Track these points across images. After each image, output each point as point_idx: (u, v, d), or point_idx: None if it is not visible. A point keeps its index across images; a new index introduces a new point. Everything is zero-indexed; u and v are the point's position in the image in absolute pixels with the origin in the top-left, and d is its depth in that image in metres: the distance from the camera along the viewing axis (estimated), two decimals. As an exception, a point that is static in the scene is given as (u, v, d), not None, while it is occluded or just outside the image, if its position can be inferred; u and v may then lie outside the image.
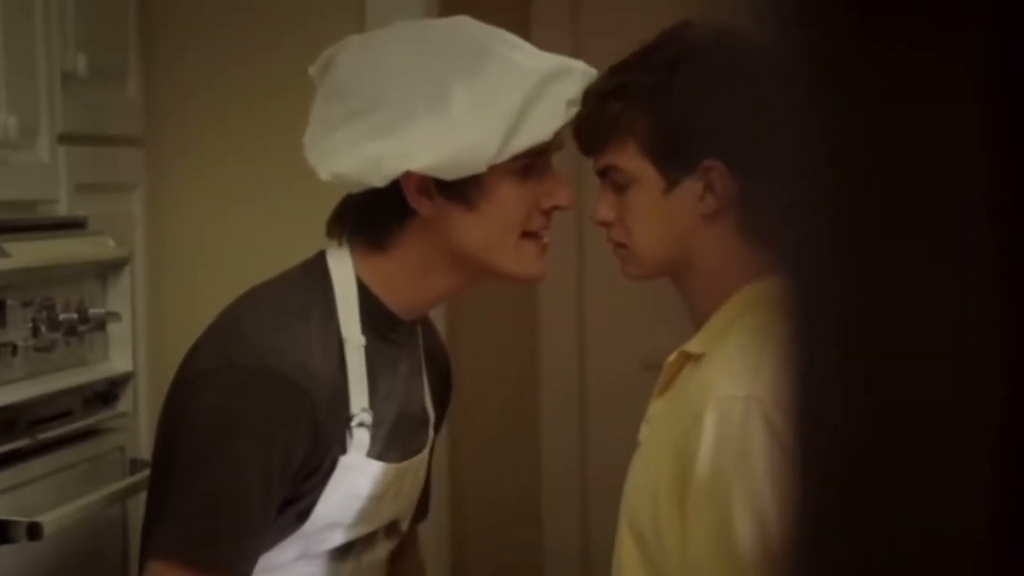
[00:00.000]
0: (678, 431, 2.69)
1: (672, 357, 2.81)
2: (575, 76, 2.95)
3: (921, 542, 0.84)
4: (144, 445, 3.79)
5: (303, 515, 2.92)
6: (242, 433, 2.86)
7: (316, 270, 2.97)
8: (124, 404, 3.61)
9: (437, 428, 3.20)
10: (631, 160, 2.79)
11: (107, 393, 3.55)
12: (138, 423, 3.83)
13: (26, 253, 3.24)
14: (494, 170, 2.89)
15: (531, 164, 2.92)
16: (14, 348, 3.17)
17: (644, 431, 2.86)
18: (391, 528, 3.10)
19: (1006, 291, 0.79)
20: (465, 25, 3.21)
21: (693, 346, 2.75)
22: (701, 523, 2.64)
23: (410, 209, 2.92)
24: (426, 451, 3.12)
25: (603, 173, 2.83)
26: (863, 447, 0.86)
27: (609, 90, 2.84)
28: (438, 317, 3.56)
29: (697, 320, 2.79)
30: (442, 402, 3.23)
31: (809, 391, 0.89)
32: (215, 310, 3.51)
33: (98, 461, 3.50)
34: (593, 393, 5.36)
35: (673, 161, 2.77)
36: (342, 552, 3.04)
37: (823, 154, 0.86)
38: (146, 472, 3.44)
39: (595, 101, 2.86)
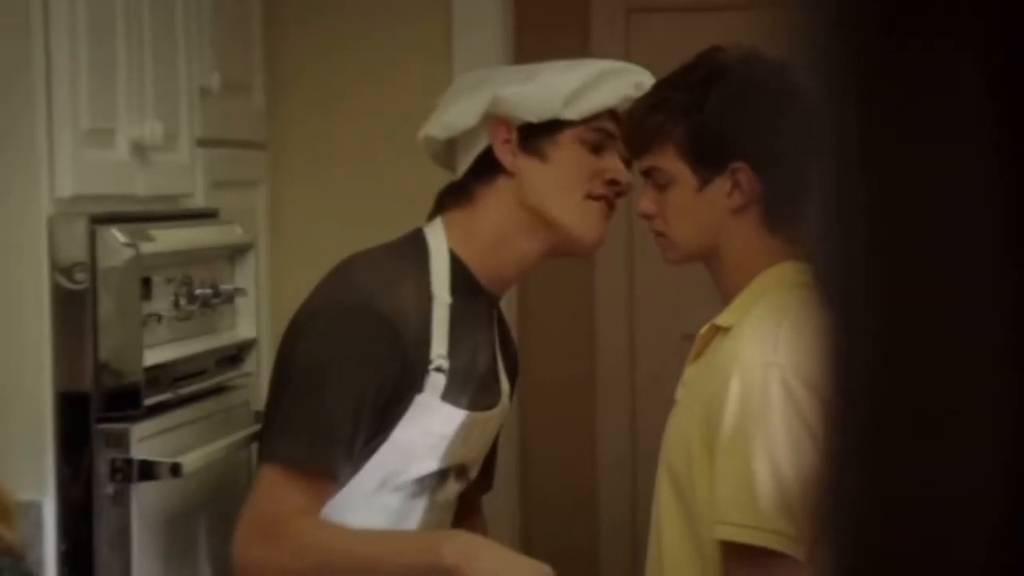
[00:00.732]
0: (709, 392, 2.73)
1: (704, 329, 2.85)
2: (643, 72, 3.10)
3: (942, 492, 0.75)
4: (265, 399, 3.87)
5: (384, 441, 3.00)
6: (345, 362, 2.96)
7: (415, 239, 3.08)
8: (249, 365, 3.61)
9: (509, 399, 3.26)
10: (670, 162, 2.83)
11: (235, 356, 3.55)
12: (260, 381, 3.73)
13: (169, 238, 3.25)
14: (566, 129, 3.03)
15: (598, 142, 3.06)
16: (159, 318, 3.19)
17: (680, 392, 2.90)
18: (460, 471, 3.15)
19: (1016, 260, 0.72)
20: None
21: (722, 320, 2.79)
22: (726, 469, 2.68)
23: (495, 170, 3.03)
24: (495, 411, 3.18)
25: (647, 173, 2.89)
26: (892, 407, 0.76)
27: (653, 104, 2.90)
28: (511, 314, 3.59)
29: (726, 298, 2.83)
30: (512, 379, 3.28)
31: (839, 364, 0.79)
32: None
33: (228, 412, 3.50)
34: (642, 361, 5.38)
35: (706, 163, 2.82)
36: (417, 486, 3.09)
37: (840, 148, 0.78)
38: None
39: (641, 113, 2.92)
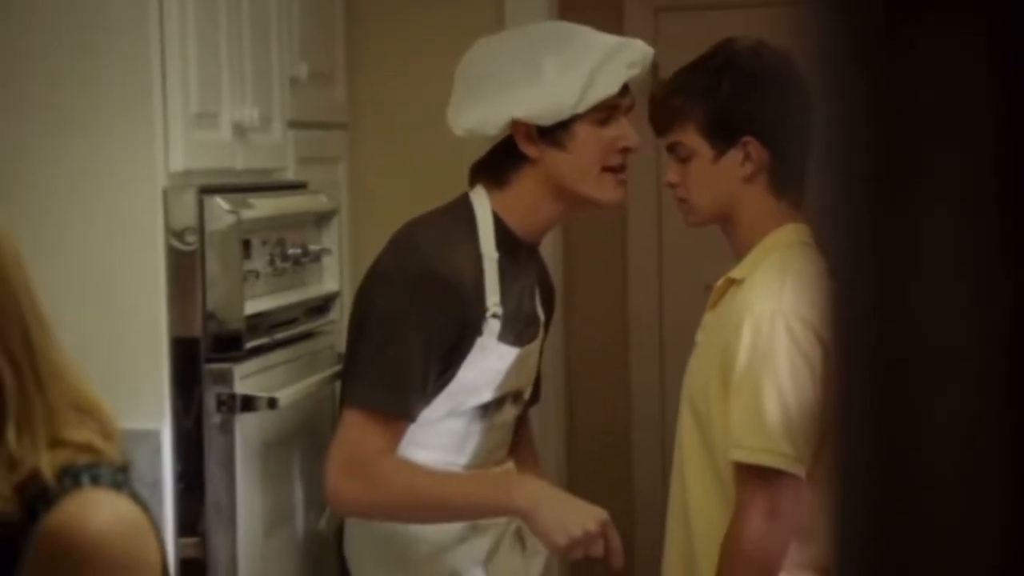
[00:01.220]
0: (724, 337, 2.81)
1: (720, 281, 2.95)
2: (635, 47, 3.13)
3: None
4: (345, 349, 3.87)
5: (451, 380, 3.07)
6: (414, 317, 3.02)
7: (462, 205, 3.15)
8: (333, 314, 3.62)
9: (545, 330, 3.32)
10: (690, 138, 2.92)
11: (321, 306, 3.57)
12: (342, 328, 3.65)
13: (265, 206, 3.26)
14: (578, 119, 3.08)
15: (607, 116, 3.10)
16: (257, 274, 3.20)
17: (700, 336, 2.99)
18: (516, 396, 3.23)
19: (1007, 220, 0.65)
20: (557, 23, 3.41)
21: (735, 273, 2.89)
22: (739, 402, 2.76)
23: (521, 155, 3.10)
24: (537, 343, 3.25)
25: (671, 148, 2.98)
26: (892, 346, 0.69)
27: (674, 88, 2.98)
28: (556, 271, 3.61)
29: (739, 255, 2.92)
30: (548, 312, 3.35)
31: (839, 311, 0.72)
32: None
33: (315, 355, 3.51)
34: (669, 312, 5.40)
35: (721, 138, 2.91)
36: (479, 412, 3.16)
37: (845, 131, 0.70)
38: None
39: (664, 96, 3.00)
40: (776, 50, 2.94)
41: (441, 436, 3.14)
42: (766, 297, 2.77)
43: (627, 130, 3.13)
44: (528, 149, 3.08)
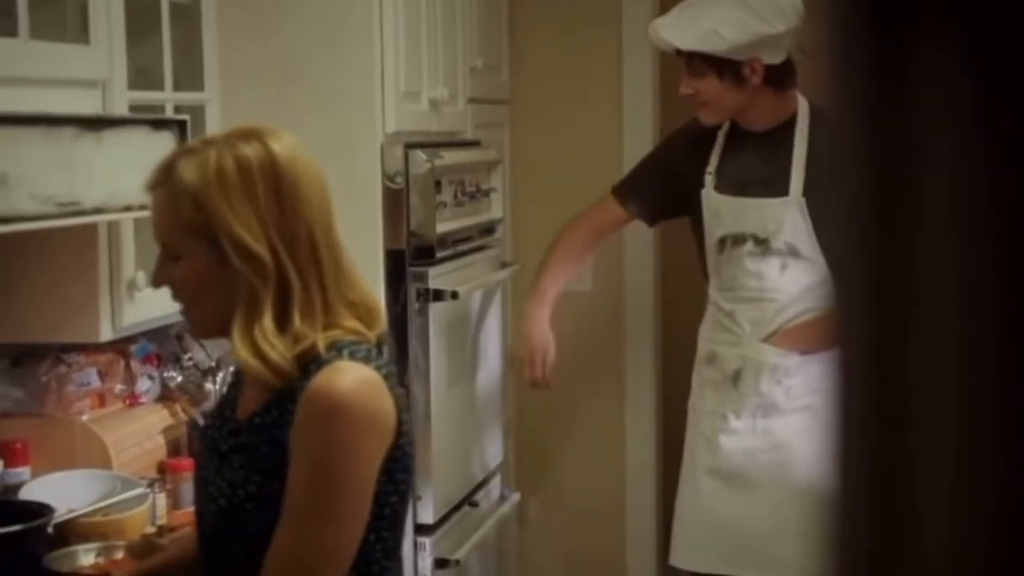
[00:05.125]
0: None
1: None
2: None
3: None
4: (508, 255, 3.89)
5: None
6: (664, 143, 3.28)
7: None
8: (499, 234, 3.65)
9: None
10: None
11: (490, 228, 3.57)
12: (506, 243, 3.82)
13: (451, 157, 3.24)
14: None
15: None
16: (445, 204, 3.18)
17: None
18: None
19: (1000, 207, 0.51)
20: None
21: None
22: None
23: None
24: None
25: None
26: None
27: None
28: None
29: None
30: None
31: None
32: (545, 190, 3.67)
33: (484, 262, 3.53)
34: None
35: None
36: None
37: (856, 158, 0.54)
38: (511, 268, 3.74)
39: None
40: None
41: None
42: None
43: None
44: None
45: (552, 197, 3.63)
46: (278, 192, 1.79)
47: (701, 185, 3.13)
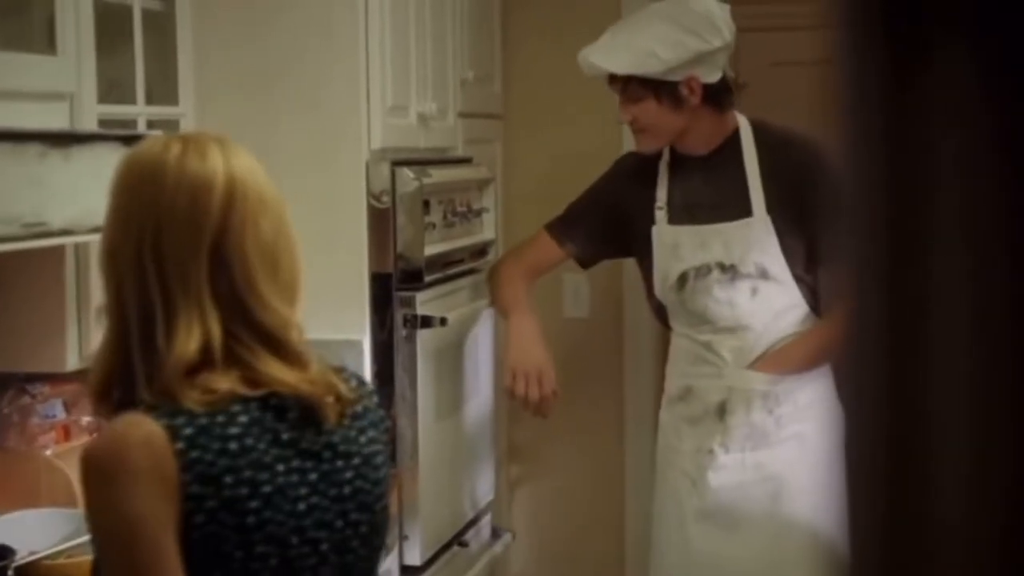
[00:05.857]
0: None
1: None
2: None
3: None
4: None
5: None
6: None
7: None
8: (491, 256, 3.58)
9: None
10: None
11: (481, 250, 3.52)
12: None
13: (440, 175, 3.21)
14: None
15: None
16: (434, 225, 3.15)
17: None
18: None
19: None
20: None
21: None
22: None
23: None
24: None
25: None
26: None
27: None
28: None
29: None
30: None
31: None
32: (539, 208, 3.56)
33: (477, 286, 3.48)
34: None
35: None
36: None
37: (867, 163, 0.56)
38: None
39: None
40: None
41: None
42: None
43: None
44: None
45: (547, 217, 3.48)
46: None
47: (651, 222, 3.12)
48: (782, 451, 3.03)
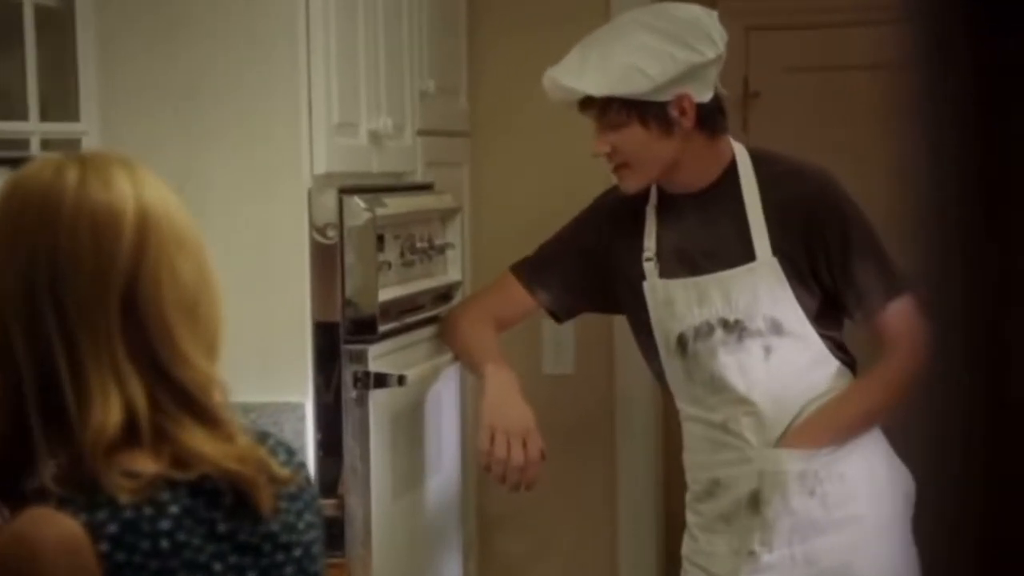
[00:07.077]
0: None
1: None
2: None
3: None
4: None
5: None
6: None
7: None
8: (456, 301, 3.55)
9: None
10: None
11: (446, 294, 3.51)
12: None
13: (397, 205, 3.21)
14: None
15: None
16: (389, 264, 3.15)
17: None
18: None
19: None
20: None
21: None
22: None
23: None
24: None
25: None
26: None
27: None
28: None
29: None
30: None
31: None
32: (515, 244, 3.54)
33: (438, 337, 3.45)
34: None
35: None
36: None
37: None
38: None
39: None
40: None
41: None
42: None
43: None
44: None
45: (522, 254, 3.47)
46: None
47: (641, 277, 3.02)
48: (837, 539, 2.93)
